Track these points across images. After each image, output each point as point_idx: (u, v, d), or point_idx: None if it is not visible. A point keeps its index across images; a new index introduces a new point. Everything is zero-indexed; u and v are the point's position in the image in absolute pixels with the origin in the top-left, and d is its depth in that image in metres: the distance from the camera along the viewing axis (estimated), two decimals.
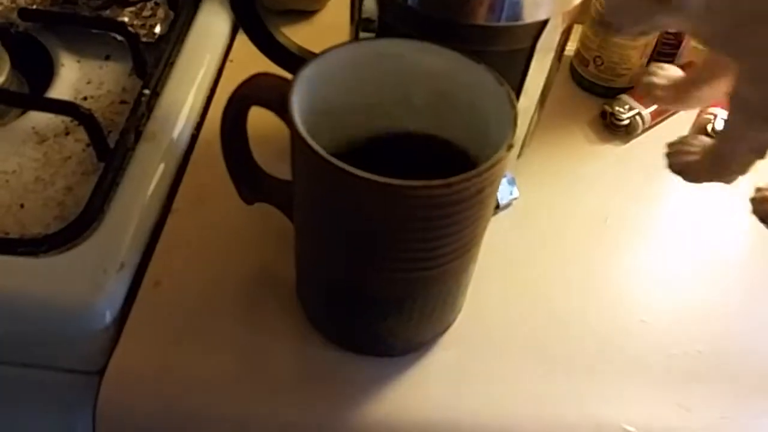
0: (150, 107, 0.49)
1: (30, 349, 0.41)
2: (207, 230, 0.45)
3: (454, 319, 0.41)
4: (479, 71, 0.35)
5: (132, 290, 0.41)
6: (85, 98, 0.51)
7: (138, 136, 0.47)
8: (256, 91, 0.35)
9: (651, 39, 0.51)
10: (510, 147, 0.31)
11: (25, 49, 0.54)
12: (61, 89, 0.51)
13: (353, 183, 0.30)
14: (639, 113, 0.52)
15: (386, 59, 0.36)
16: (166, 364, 0.39)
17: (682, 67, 0.46)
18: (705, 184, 0.37)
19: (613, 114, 0.52)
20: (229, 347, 0.40)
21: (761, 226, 0.42)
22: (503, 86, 0.34)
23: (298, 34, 0.46)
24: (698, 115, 0.50)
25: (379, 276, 0.35)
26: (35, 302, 0.39)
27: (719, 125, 0.47)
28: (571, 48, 0.52)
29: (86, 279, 0.40)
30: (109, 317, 0.40)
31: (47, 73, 0.53)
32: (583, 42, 0.55)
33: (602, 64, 0.53)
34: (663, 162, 0.42)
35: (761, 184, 0.32)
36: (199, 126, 0.51)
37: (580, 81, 0.56)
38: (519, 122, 0.32)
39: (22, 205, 0.44)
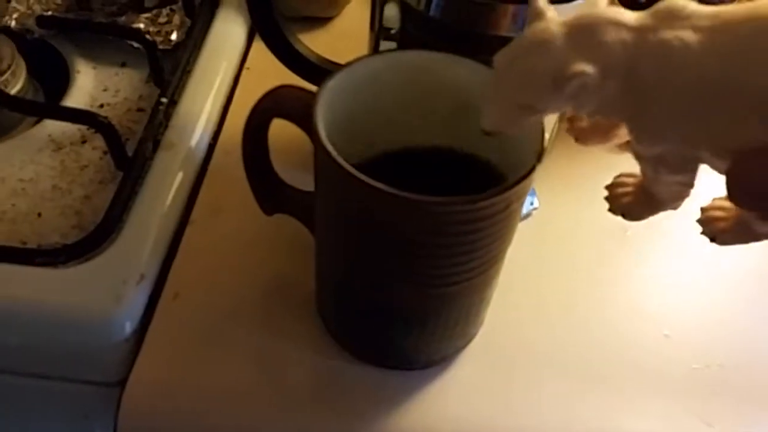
0: (167, 116, 0.48)
1: (49, 361, 0.41)
2: (225, 241, 0.45)
3: (476, 332, 0.41)
4: None
5: (151, 301, 0.41)
6: (101, 105, 0.51)
7: (156, 144, 0.47)
8: (279, 104, 0.35)
9: None
10: (540, 157, 0.31)
11: (40, 55, 0.53)
12: (77, 96, 0.51)
13: (383, 199, 0.29)
14: None
15: (410, 71, 0.36)
16: (186, 375, 0.39)
17: None
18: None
19: None
20: (249, 358, 0.40)
21: None
22: None
23: (314, 41, 0.45)
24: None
25: (405, 292, 0.34)
26: (55, 314, 0.39)
27: None
28: None
29: (106, 290, 0.39)
30: (129, 328, 0.39)
31: (63, 79, 0.53)
32: None
33: None
34: None
35: (704, 204, 0.31)
36: (216, 135, 0.50)
37: None
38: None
39: (39, 214, 0.44)
